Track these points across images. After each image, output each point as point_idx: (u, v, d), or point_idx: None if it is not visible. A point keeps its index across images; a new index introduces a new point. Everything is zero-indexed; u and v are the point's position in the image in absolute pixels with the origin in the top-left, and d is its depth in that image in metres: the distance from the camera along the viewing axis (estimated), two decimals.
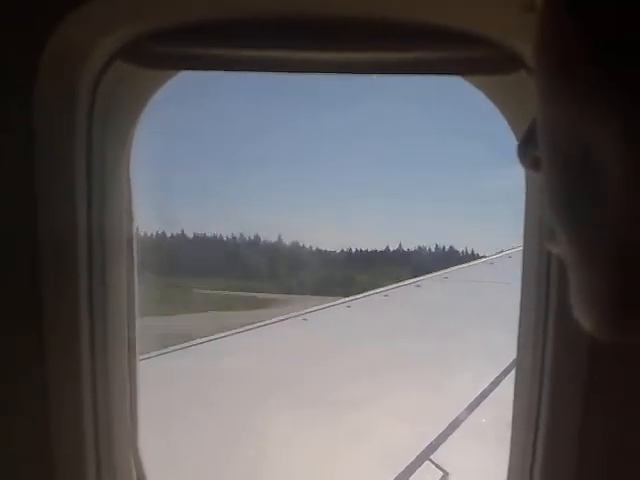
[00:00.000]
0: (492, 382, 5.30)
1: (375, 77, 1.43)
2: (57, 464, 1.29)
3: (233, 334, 7.16)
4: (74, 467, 1.31)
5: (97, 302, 1.32)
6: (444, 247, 13.55)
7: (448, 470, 4.01)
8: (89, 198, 1.29)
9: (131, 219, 1.42)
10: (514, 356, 1.48)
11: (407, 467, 4.07)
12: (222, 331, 7.22)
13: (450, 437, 4.48)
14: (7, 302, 1.24)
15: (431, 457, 4.20)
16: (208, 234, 12.41)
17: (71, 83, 1.26)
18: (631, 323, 0.50)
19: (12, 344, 1.25)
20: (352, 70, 1.40)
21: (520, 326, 1.42)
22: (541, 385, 1.32)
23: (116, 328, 1.39)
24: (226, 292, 12.99)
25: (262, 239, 12.51)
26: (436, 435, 4.48)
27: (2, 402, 1.27)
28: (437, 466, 4.14)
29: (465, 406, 4.97)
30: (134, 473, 1.45)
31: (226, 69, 1.40)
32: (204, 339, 6.84)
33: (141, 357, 1.53)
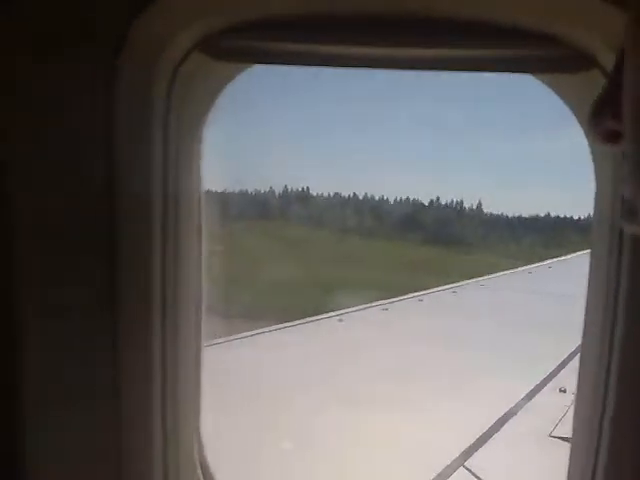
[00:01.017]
0: None
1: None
2: (125, 441, 1.33)
3: None
4: (141, 446, 1.36)
5: (169, 275, 1.37)
6: None
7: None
8: (164, 180, 1.34)
9: (200, 199, 1.46)
10: None
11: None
12: None
13: None
14: (84, 269, 1.29)
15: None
16: None
17: (150, 73, 1.30)
18: None
19: (86, 309, 1.30)
20: (421, 66, 1.41)
21: (586, 315, 1.40)
22: (607, 382, 1.31)
23: (186, 297, 1.43)
24: None
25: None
26: None
27: (73, 368, 1.32)
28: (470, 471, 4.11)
29: None
30: (196, 453, 1.48)
31: (297, 64, 1.43)
32: None
33: None
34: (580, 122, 1.37)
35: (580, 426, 1.41)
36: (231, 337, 6.73)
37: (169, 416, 1.39)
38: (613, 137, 0.56)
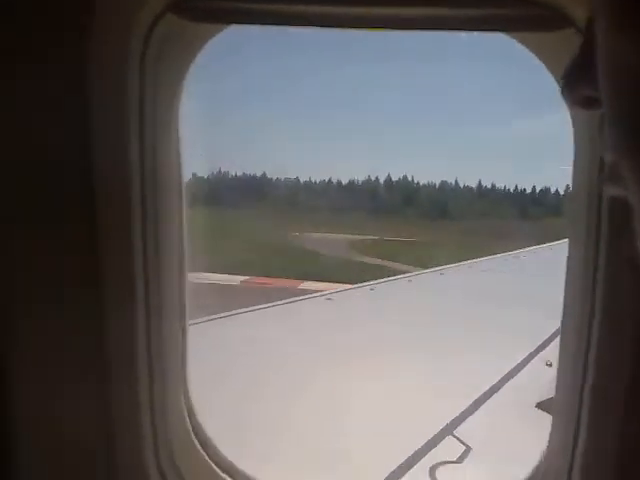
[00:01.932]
0: None
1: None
2: (113, 405, 1.35)
3: None
4: (129, 407, 1.38)
5: (150, 243, 1.37)
6: None
7: None
8: (141, 144, 1.33)
9: (180, 165, 1.46)
10: None
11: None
12: None
13: None
14: (66, 243, 1.30)
15: None
16: None
17: (124, 34, 1.29)
18: None
19: (69, 281, 1.31)
20: (400, 26, 1.40)
21: (565, 293, 1.42)
22: (587, 351, 1.33)
23: (169, 262, 1.44)
24: None
25: None
26: None
27: (58, 337, 1.33)
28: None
29: None
30: (185, 412, 1.51)
31: (273, 24, 1.42)
32: None
33: None
34: (557, 80, 1.37)
35: (562, 396, 1.44)
36: None
37: (156, 385, 1.41)
38: (588, 103, 0.57)
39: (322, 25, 1.41)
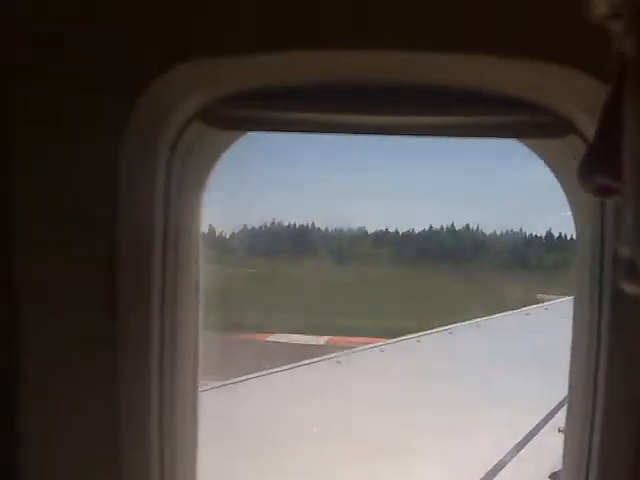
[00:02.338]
0: None
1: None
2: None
3: None
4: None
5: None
6: None
7: None
8: (165, 231, 1.40)
9: (198, 266, 1.51)
10: None
11: None
12: None
13: None
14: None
15: None
16: None
17: (154, 140, 1.37)
18: None
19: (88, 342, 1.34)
20: (409, 133, 1.48)
21: (571, 365, 1.45)
22: (592, 425, 1.34)
23: (185, 342, 1.48)
24: None
25: None
26: None
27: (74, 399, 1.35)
28: None
29: None
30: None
31: (287, 130, 1.50)
32: None
33: None
34: (560, 182, 1.44)
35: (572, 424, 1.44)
36: None
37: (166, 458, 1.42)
38: (605, 192, 0.56)
39: (339, 132, 1.49)
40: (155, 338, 1.39)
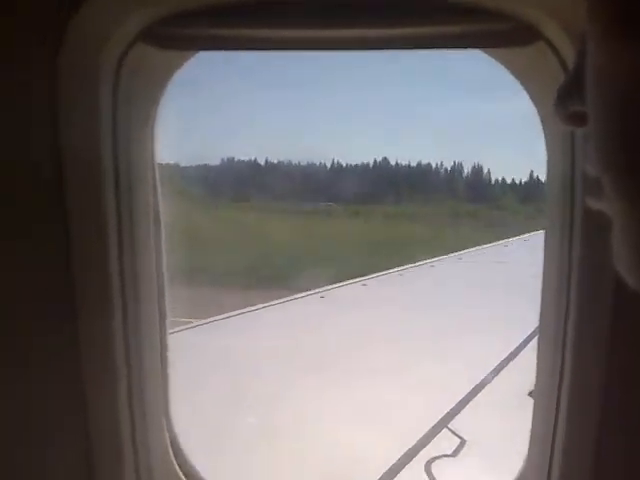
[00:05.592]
0: None
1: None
2: (92, 429, 1.34)
3: None
4: (109, 435, 1.37)
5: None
6: None
7: None
8: (115, 160, 1.33)
9: (157, 197, 1.45)
10: None
11: None
12: None
13: None
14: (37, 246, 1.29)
15: None
16: None
17: (94, 66, 1.28)
18: None
19: (42, 284, 1.30)
20: (368, 46, 1.40)
21: (543, 290, 1.43)
22: (564, 349, 1.34)
23: (145, 265, 1.44)
24: None
25: None
26: None
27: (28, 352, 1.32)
28: None
29: None
30: (166, 436, 1.50)
31: (242, 49, 1.41)
32: None
33: None
34: (529, 93, 1.38)
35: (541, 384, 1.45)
36: None
37: (136, 405, 1.40)
38: (578, 119, 0.55)
39: (294, 48, 1.40)
40: (114, 272, 1.35)
